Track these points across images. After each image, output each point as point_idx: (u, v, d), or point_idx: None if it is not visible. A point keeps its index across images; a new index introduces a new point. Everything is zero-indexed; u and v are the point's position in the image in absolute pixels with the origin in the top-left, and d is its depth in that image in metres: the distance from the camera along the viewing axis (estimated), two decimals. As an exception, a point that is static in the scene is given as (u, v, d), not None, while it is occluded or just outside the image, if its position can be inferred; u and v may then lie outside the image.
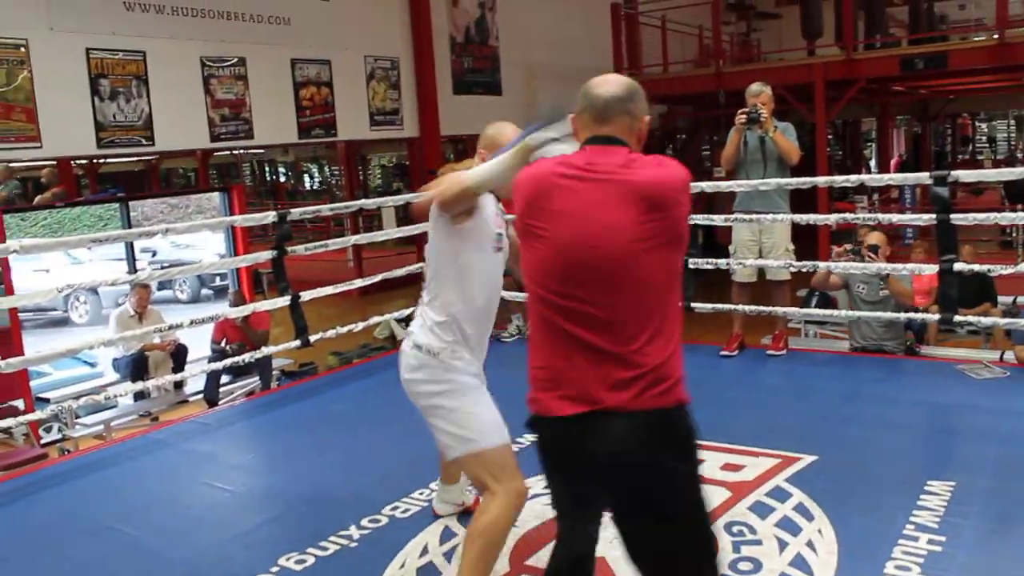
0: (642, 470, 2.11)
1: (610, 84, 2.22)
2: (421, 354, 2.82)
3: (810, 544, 3.13)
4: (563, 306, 2.11)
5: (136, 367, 7.91)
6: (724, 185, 5.71)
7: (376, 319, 6.75)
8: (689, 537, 2.18)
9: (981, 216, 5.11)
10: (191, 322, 5.53)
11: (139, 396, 7.72)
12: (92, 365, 9.07)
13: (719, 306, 5.85)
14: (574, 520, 2.26)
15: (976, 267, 5.19)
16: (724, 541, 3.18)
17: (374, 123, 10.13)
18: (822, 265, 5.60)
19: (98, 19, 7.58)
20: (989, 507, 3.36)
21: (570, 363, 2.12)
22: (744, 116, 5.48)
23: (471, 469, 2.82)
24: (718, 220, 5.84)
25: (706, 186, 5.72)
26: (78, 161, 13.70)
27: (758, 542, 3.18)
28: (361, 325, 6.25)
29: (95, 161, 15.45)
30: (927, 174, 5.21)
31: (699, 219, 5.96)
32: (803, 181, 5.45)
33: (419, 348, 2.82)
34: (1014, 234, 12.35)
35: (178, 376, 6.90)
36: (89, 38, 7.52)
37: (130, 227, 9.63)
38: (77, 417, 7.13)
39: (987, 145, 29.52)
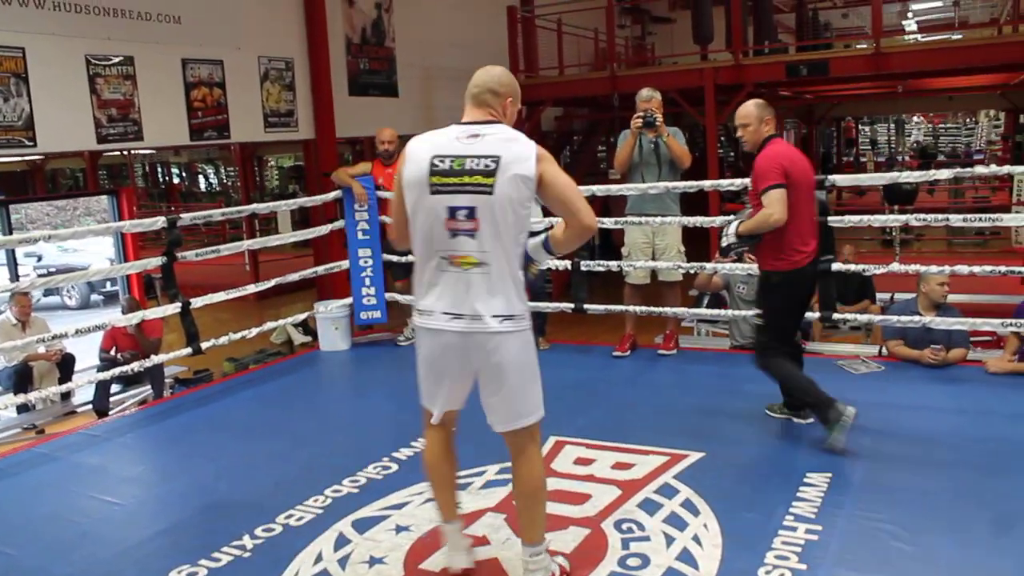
0: None
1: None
2: (523, 321, 2.82)
3: (696, 538, 3.25)
4: None
5: (19, 378, 7.63)
6: (615, 188, 5.85)
7: (271, 324, 6.67)
8: None
9: (855, 219, 5.36)
10: (76, 331, 5.37)
11: (23, 408, 7.45)
12: (-29, 376, 8.69)
13: (612, 307, 5.98)
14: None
15: (852, 267, 5.44)
16: (614, 538, 3.27)
17: (268, 125, 9.97)
18: (708, 266, 5.79)
19: (-27, 14, 7.27)
20: (863, 496, 3.56)
21: None
22: (640, 120, 5.61)
23: (525, 433, 2.86)
24: (608, 223, 5.97)
25: (597, 189, 5.84)
26: (-46, 162, 13.11)
27: (647, 538, 3.27)
28: (255, 331, 6.16)
29: (-27, 162, 14.78)
30: (807, 178, 5.43)
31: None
32: (691, 185, 5.62)
33: (516, 316, 2.79)
34: (892, 233, 12.94)
35: (65, 387, 6.67)
36: (-38, 33, 7.22)
37: (11, 231, 9.28)
38: (-45, 431, 6.85)
39: (870, 147, 30.83)
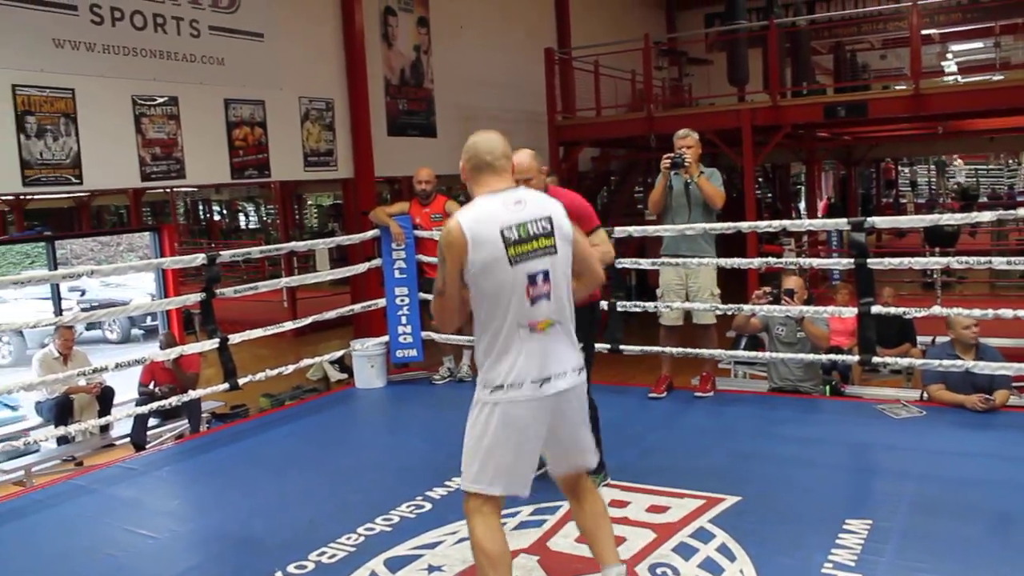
0: None
1: None
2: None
3: (732, 584, 3.20)
4: None
5: (60, 411, 7.71)
6: (651, 229, 5.84)
7: (308, 361, 6.71)
8: None
9: (896, 261, 5.30)
10: (116, 365, 5.44)
11: (63, 440, 7.53)
12: (14, 408, 8.83)
13: (648, 348, 5.94)
14: None
15: (892, 310, 5.37)
16: (648, 582, 3.23)
17: (308, 164, 10.10)
18: (746, 308, 5.74)
19: (25, 55, 7.46)
20: (904, 544, 3.47)
21: None
22: (668, 160, 5.62)
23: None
24: (645, 264, 5.95)
25: (634, 231, 5.84)
26: (3, 198, 13.42)
27: (681, 583, 3.23)
28: (292, 367, 6.20)
29: (22, 197, 15.12)
30: (846, 220, 5.40)
31: (627, 263, 6.08)
32: (727, 226, 5.59)
33: (582, 364, 2.93)
34: (934, 276, 12.77)
35: (104, 420, 6.75)
36: (15, 74, 7.39)
37: (56, 266, 9.44)
38: (-4, 463, 6.94)
39: (910, 188, 30.57)
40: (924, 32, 13.47)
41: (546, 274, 2.76)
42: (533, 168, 3.70)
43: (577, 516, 3.07)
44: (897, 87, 13.07)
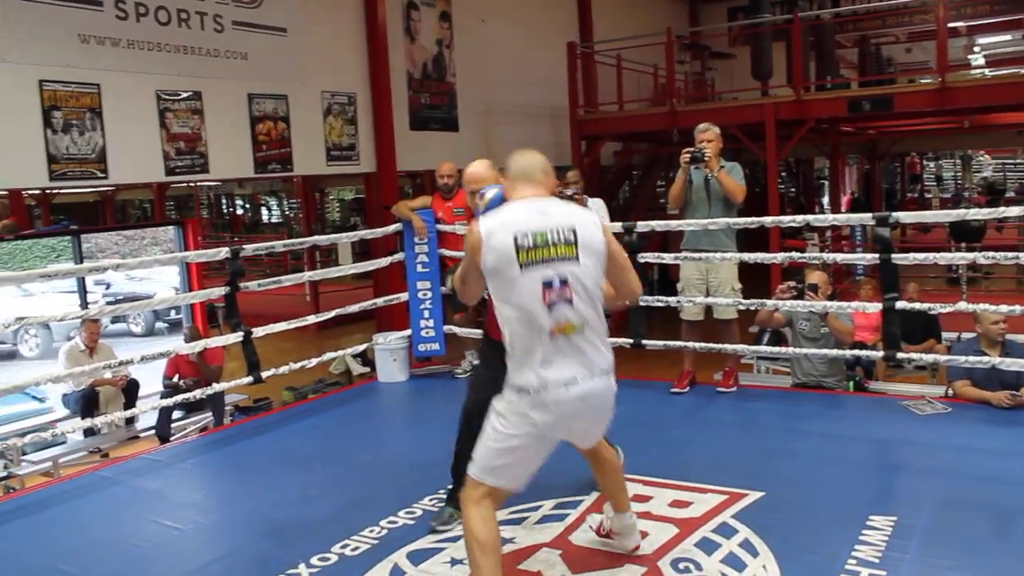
0: None
1: None
2: None
3: (754, 580, 3.18)
4: None
5: (86, 403, 7.80)
6: (674, 224, 5.82)
7: (331, 354, 6.73)
8: None
9: (921, 256, 5.25)
10: (142, 358, 5.49)
11: (89, 432, 7.61)
12: (41, 400, 8.92)
13: (670, 343, 5.93)
14: None
15: (917, 305, 5.32)
16: (670, 577, 3.23)
17: (331, 158, 10.15)
18: (769, 303, 5.71)
19: (52, 51, 7.54)
20: (929, 541, 3.44)
21: None
22: (688, 155, 5.60)
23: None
24: (668, 258, 5.93)
25: (656, 225, 5.82)
26: (30, 192, 13.55)
27: (704, 578, 3.22)
28: (315, 361, 6.23)
29: (48, 192, 15.27)
30: (871, 215, 5.36)
31: (649, 257, 6.07)
32: (749, 221, 5.56)
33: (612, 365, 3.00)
34: (959, 271, 12.65)
35: (129, 412, 6.82)
36: (42, 70, 7.48)
37: (82, 260, 9.53)
38: (24, 454, 7.02)
39: (935, 183, 30.26)
40: (951, 25, 13.31)
41: (564, 281, 2.80)
42: (490, 179, 3.73)
43: (597, 476, 3.38)
44: (923, 80, 12.92)
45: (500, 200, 3.18)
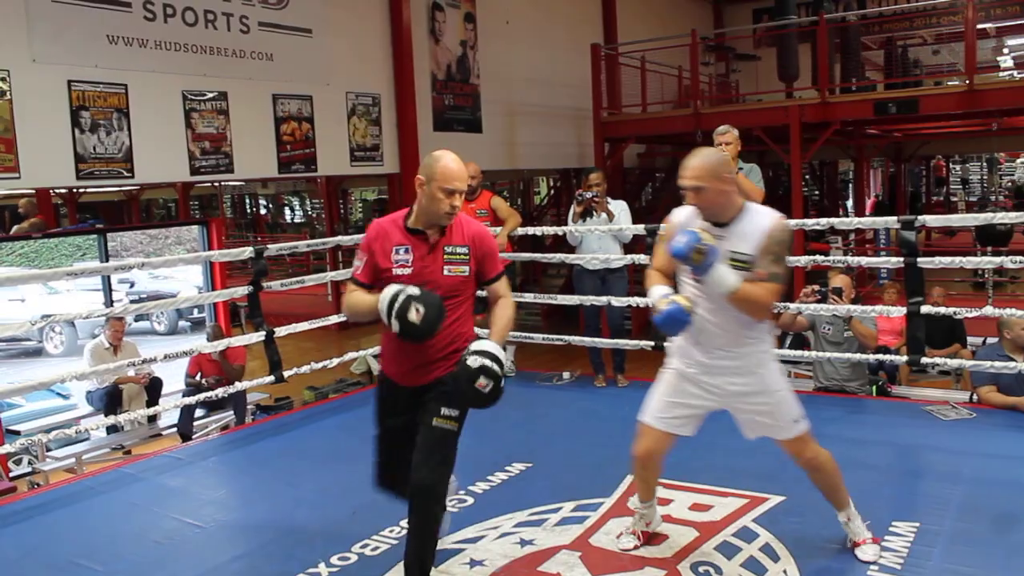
0: None
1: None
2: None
3: (775, 585, 3.17)
4: None
5: (110, 400, 7.85)
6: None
7: (352, 354, 6.76)
8: None
9: (947, 260, 5.20)
10: (165, 356, 5.53)
11: (112, 429, 7.67)
12: (65, 397, 9.01)
13: (692, 345, 5.88)
14: None
15: (942, 309, 5.26)
16: (690, 581, 3.21)
17: (354, 159, 10.19)
18: (791, 306, 5.67)
19: (81, 51, 7.62)
20: (951, 548, 3.41)
21: None
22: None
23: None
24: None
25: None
26: (57, 191, 13.70)
27: (724, 582, 3.20)
28: (336, 361, 6.25)
29: (75, 191, 15.43)
30: (895, 219, 5.31)
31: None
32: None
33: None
34: (985, 275, 12.51)
35: (152, 410, 6.87)
36: (71, 70, 7.56)
37: (107, 258, 9.61)
38: (48, 450, 7.08)
39: (961, 186, 29.99)
40: (979, 26, 13.19)
41: None
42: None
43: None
44: (950, 83, 12.81)
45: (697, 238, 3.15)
